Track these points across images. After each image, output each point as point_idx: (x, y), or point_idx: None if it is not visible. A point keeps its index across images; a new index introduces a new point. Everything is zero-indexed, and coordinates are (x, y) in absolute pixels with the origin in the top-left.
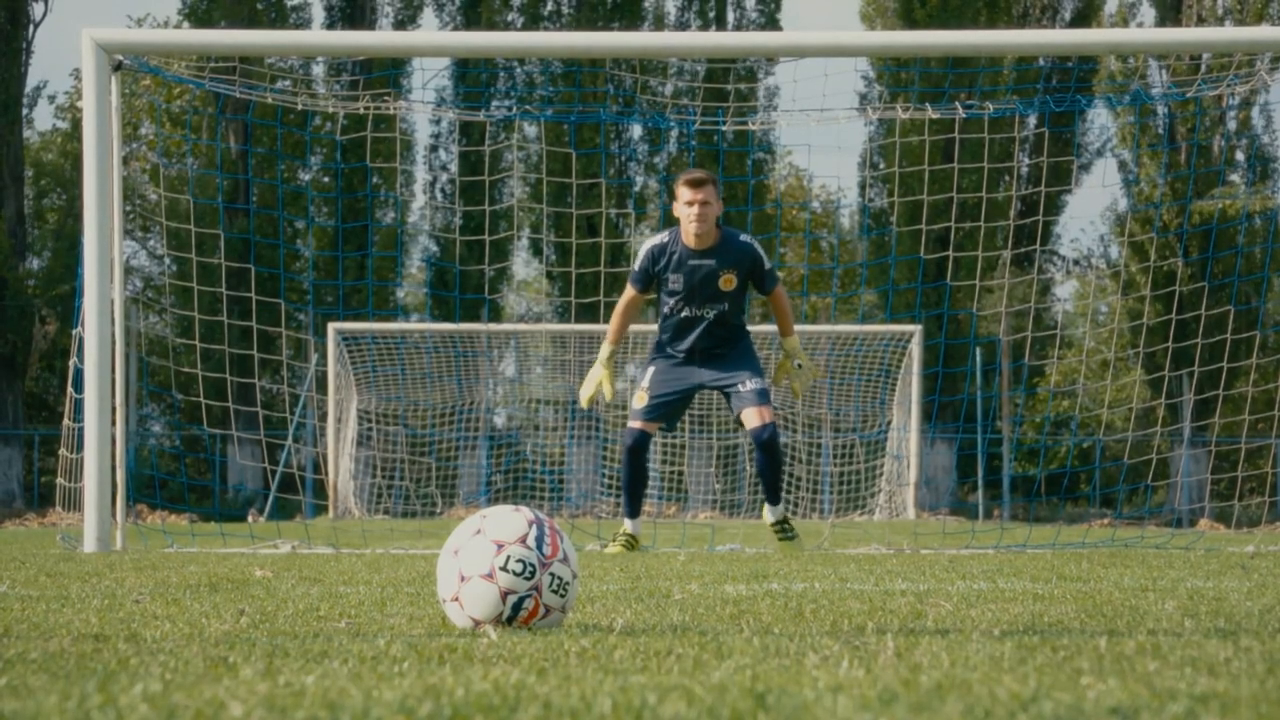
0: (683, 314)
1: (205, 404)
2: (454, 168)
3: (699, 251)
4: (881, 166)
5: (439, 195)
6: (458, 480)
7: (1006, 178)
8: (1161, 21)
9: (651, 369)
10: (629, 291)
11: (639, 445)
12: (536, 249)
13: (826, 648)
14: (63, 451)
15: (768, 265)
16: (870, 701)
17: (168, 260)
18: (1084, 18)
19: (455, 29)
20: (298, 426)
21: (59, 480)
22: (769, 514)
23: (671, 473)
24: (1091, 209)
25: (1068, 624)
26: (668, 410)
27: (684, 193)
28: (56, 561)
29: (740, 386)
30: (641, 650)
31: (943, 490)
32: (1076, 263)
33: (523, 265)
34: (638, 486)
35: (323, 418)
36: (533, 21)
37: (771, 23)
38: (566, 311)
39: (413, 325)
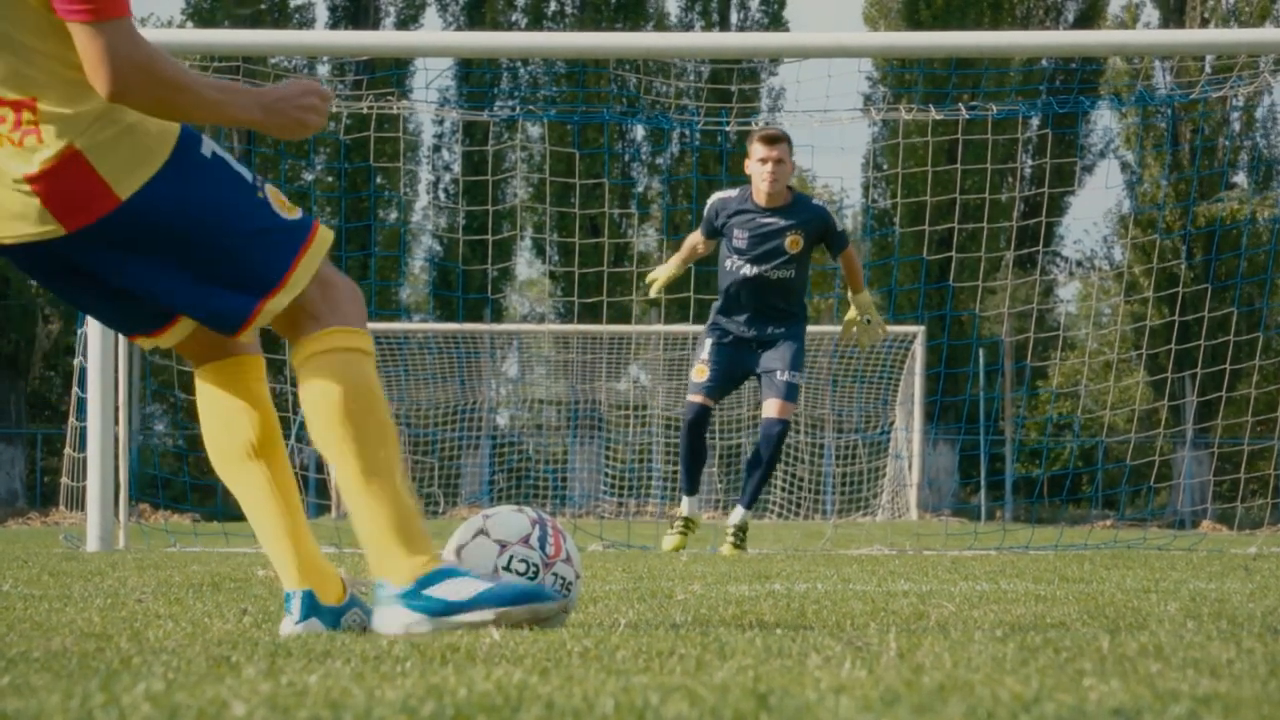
0: (743, 272)
1: None
2: (457, 168)
3: (768, 209)
4: (885, 167)
5: (442, 195)
6: (460, 480)
7: (1010, 179)
8: (1165, 23)
9: (709, 341)
10: (697, 233)
11: (699, 420)
12: (539, 249)
13: (829, 648)
14: (67, 450)
15: (839, 227)
16: (872, 702)
17: None
18: (1087, 19)
19: (459, 29)
20: (300, 426)
21: (62, 479)
22: (736, 515)
23: (673, 473)
24: (1095, 210)
25: (1070, 625)
26: (727, 382)
27: (758, 149)
28: (59, 560)
29: (777, 374)
30: (644, 650)
31: (945, 491)
32: (1079, 264)
33: (525, 265)
34: (697, 463)
35: None
36: (536, 22)
37: (775, 23)
38: (569, 312)
39: (415, 325)
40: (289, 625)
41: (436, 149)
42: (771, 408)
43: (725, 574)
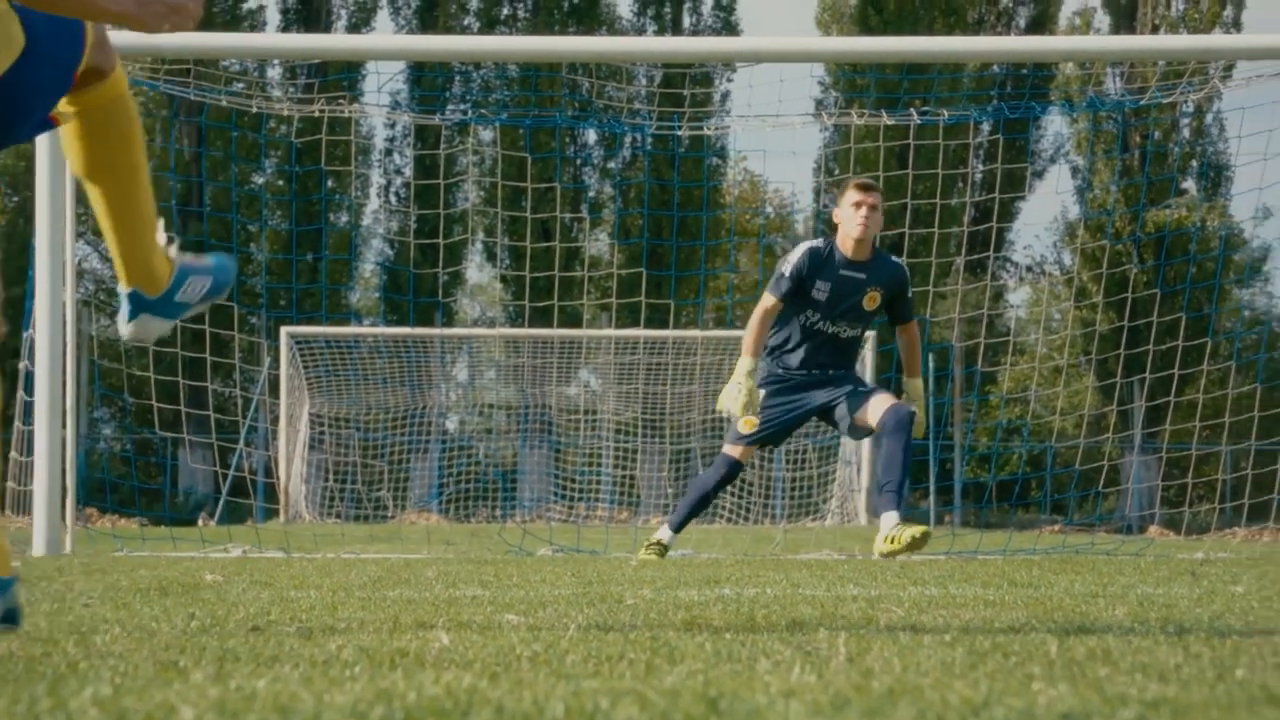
0: (816, 328)
1: (157, 407)
2: (409, 171)
3: (854, 263)
4: (836, 172)
5: (393, 199)
6: (409, 484)
7: (961, 184)
8: (1116, 29)
9: (762, 394)
10: (770, 300)
11: (731, 476)
12: (490, 253)
13: (778, 653)
14: (13, 454)
15: (910, 293)
16: (822, 707)
17: None
18: (1039, 25)
19: (410, 32)
20: (249, 430)
21: (9, 483)
22: (890, 520)
23: (624, 477)
24: (1045, 215)
25: (1019, 630)
26: (773, 437)
27: (852, 194)
28: None
29: (859, 388)
30: (594, 655)
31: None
32: (1029, 269)
33: (476, 269)
34: (701, 507)
35: (274, 421)
36: (489, 25)
37: (728, 28)
38: (520, 316)
39: (366, 329)
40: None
41: (388, 152)
42: (881, 401)
43: (675, 579)
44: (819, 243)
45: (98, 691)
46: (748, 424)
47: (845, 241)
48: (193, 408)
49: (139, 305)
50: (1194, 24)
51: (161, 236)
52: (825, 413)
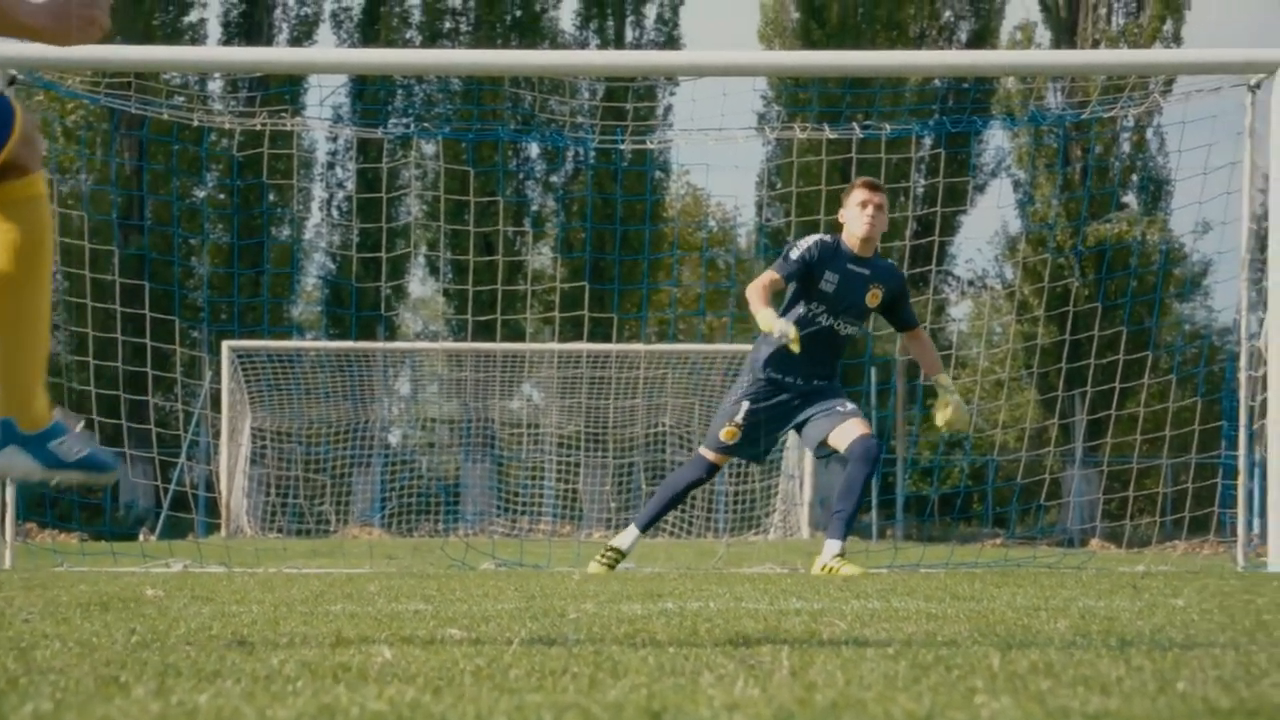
0: (819, 321)
1: (98, 421)
2: (351, 185)
3: (859, 259)
4: (779, 186)
5: (335, 212)
6: (351, 498)
7: (902, 198)
8: (1057, 44)
9: (746, 405)
10: (771, 275)
11: (704, 478)
12: (433, 267)
13: (722, 666)
14: None
15: (909, 297)
16: None
17: (60, 277)
18: (980, 39)
19: (353, 46)
20: (191, 444)
21: None
22: (831, 549)
23: (567, 491)
24: (987, 229)
25: (961, 643)
26: (752, 450)
27: (860, 193)
28: None
29: (838, 408)
30: (537, 669)
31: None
32: (971, 283)
33: (419, 283)
34: (667, 509)
35: (216, 436)
36: (431, 39)
37: (670, 42)
38: (463, 330)
39: (308, 343)
40: None
41: (330, 166)
42: (854, 427)
43: (617, 593)
44: (826, 236)
45: (38, 707)
46: (728, 433)
47: (851, 239)
48: (134, 422)
49: (8, 436)
50: (1134, 39)
51: (76, 421)
52: (799, 425)
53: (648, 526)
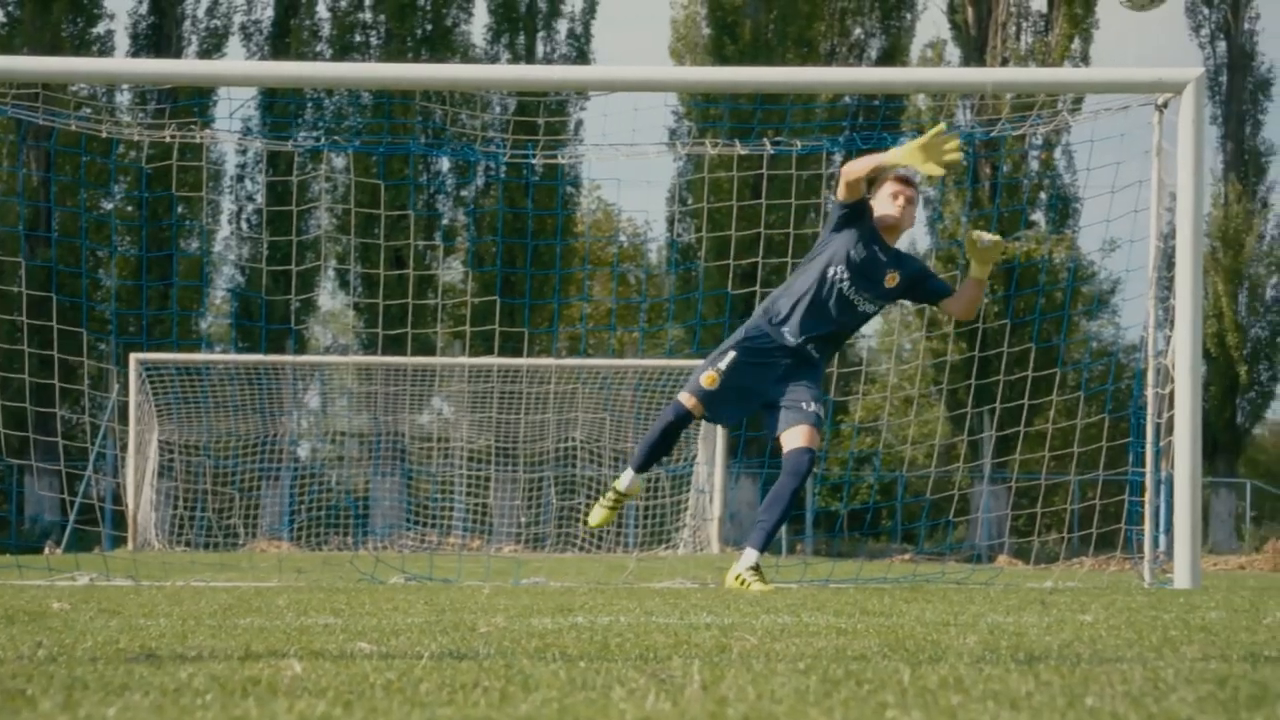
0: (839, 287)
1: (4, 434)
2: (260, 197)
3: (884, 244)
4: (690, 202)
5: (245, 225)
6: (260, 512)
7: (813, 214)
8: (966, 61)
9: (732, 354)
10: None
11: (679, 423)
12: (343, 280)
13: (633, 680)
14: None
15: (931, 272)
16: None
17: None
18: (890, 57)
19: (263, 58)
20: (98, 457)
21: None
22: (749, 558)
23: (477, 505)
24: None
25: (871, 658)
26: (725, 403)
27: (892, 185)
28: None
29: (803, 404)
30: (448, 683)
31: (747, 525)
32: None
33: (329, 296)
34: (661, 451)
35: (123, 448)
36: (341, 52)
37: (582, 57)
38: (373, 343)
39: (217, 356)
40: None
41: (239, 178)
42: (799, 435)
43: (528, 607)
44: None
45: None
46: (709, 378)
47: (882, 224)
48: (40, 434)
49: None
50: (1043, 58)
51: None
52: (767, 406)
53: (642, 468)
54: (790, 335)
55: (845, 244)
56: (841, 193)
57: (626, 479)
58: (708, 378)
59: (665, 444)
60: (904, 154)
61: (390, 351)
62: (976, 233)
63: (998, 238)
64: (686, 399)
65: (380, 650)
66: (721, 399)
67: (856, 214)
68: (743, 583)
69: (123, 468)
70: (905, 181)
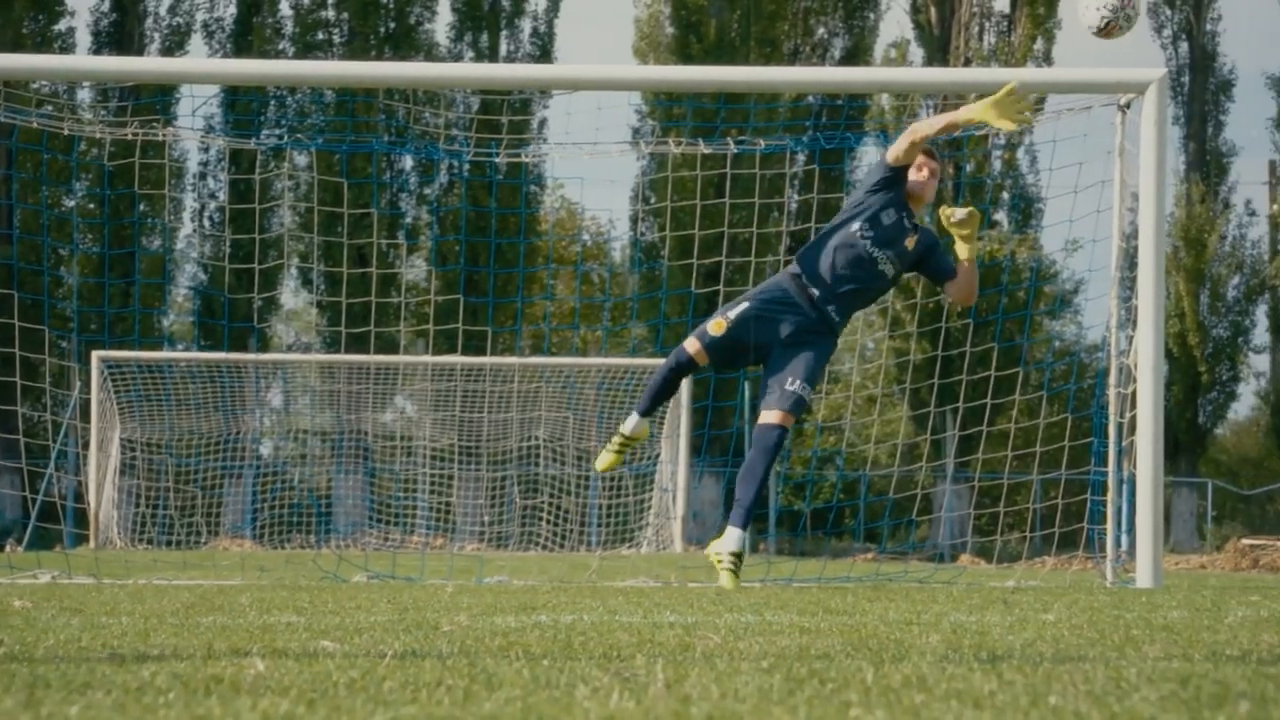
0: (864, 246)
1: None
2: (223, 195)
3: (909, 209)
4: (653, 200)
5: (207, 223)
6: (223, 510)
7: (776, 213)
8: (929, 61)
9: (745, 304)
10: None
11: (681, 369)
12: (306, 278)
13: (597, 679)
14: None
15: (942, 249)
16: None
17: None
18: (854, 57)
19: (225, 56)
20: (59, 455)
21: None
22: (731, 540)
23: (440, 504)
24: None
25: (835, 657)
26: (730, 354)
27: (923, 159)
28: None
29: (788, 383)
30: (411, 681)
31: (710, 524)
32: None
33: (291, 295)
34: (663, 395)
35: (85, 446)
36: (304, 50)
37: (545, 56)
38: (335, 342)
39: (179, 354)
40: None
41: (202, 176)
42: (772, 415)
43: (491, 605)
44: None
45: None
46: (716, 325)
47: (910, 193)
48: (1, 432)
49: None
50: (1006, 58)
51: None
52: (766, 365)
53: (648, 412)
54: (817, 290)
55: (879, 205)
56: (899, 152)
57: (631, 422)
58: (715, 324)
59: (667, 389)
60: (979, 110)
61: (353, 350)
62: (948, 209)
63: (970, 208)
64: (691, 345)
65: (343, 649)
66: (725, 346)
67: (899, 178)
68: (719, 561)
69: (84, 465)
70: (930, 155)
